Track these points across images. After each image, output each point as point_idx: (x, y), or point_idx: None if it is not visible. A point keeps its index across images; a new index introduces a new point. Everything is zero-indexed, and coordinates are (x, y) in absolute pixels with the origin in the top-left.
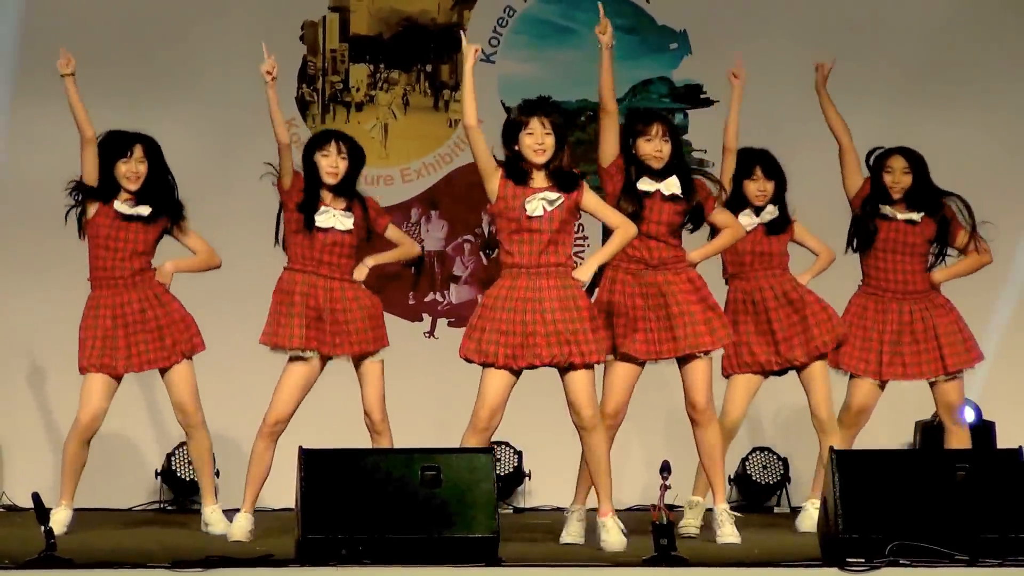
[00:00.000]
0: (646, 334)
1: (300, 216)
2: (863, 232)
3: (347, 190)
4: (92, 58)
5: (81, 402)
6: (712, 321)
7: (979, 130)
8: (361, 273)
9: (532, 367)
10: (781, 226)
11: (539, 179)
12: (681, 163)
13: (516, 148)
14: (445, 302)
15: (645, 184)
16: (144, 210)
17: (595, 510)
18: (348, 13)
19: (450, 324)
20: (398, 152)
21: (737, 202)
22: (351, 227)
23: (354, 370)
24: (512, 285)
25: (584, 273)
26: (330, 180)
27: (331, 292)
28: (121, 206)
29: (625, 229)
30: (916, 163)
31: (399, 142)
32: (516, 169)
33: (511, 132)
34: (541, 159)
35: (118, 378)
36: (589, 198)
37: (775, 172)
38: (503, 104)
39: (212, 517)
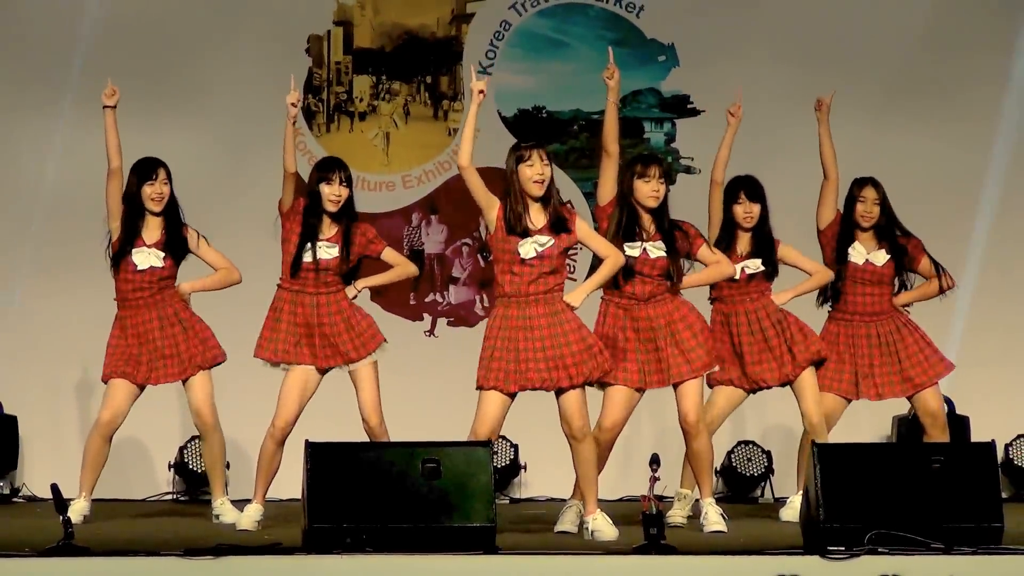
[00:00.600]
0: (637, 364)
1: (295, 241)
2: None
3: (344, 216)
4: (106, 71)
5: (105, 402)
6: (695, 350)
7: (952, 141)
8: (351, 292)
9: (523, 390)
10: (767, 276)
11: (535, 213)
12: (667, 213)
13: (515, 180)
14: (444, 302)
15: (630, 250)
16: (157, 261)
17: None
18: (352, 27)
19: (449, 323)
20: (399, 159)
21: (727, 226)
22: (335, 255)
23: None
24: (505, 314)
25: (576, 299)
26: (331, 208)
27: (317, 308)
28: (137, 257)
29: (614, 259)
30: (884, 195)
31: (400, 150)
32: (514, 210)
33: (512, 164)
34: (540, 191)
35: (140, 387)
36: (581, 230)
37: (759, 195)
38: (499, 114)
39: (222, 508)
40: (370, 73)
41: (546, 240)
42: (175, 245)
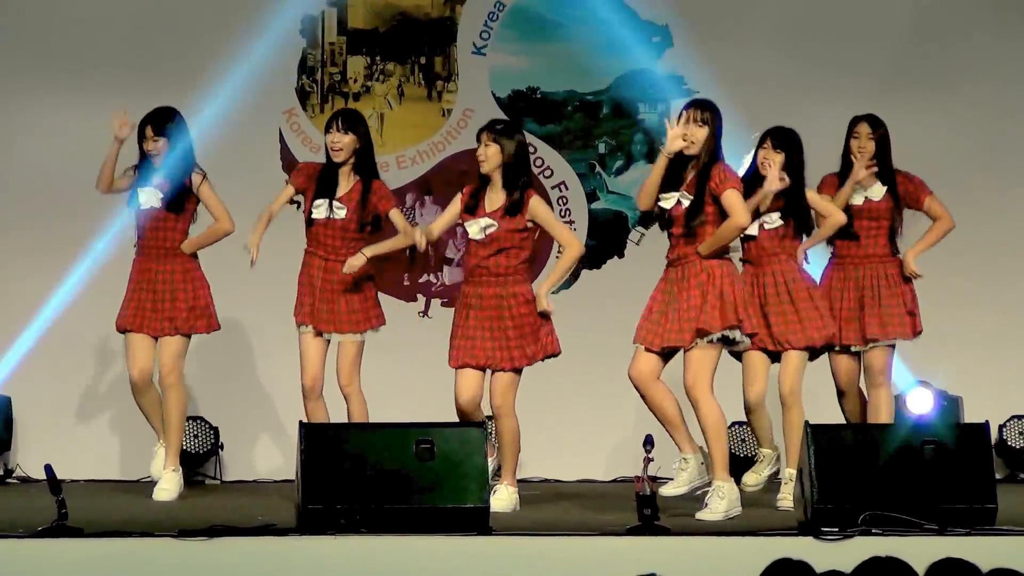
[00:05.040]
0: (655, 325)
1: (310, 198)
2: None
3: (360, 166)
4: (95, 52)
5: (127, 362)
6: (708, 311)
7: (949, 128)
8: (357, 261)
9: (468, 367)
10: (795, 232)
11: (493, 195)
12: (713, 152)
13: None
14: (439, 283)
15: (664, 201)
16: (152, 200)
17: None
18: (346, 8)
19: (443, 304)
20: (393, 140)
21: (752, 175)
22: (343, 216)
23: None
24: (463, 291)
25: (542, 304)
26: (334, 157)
27: (323, 272)
28: (143, 195)
29: (573, 249)
30: (879, 131)
31: (394, 131)
32: (475, 188)
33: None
34: (482, 170)
35: (155, 337)
36: (535, 212)
37: (785, 145)
38: (493, 95)
39: (170, 479)
40: (364, 54)
41: (488, 223)
42: (173, 192)
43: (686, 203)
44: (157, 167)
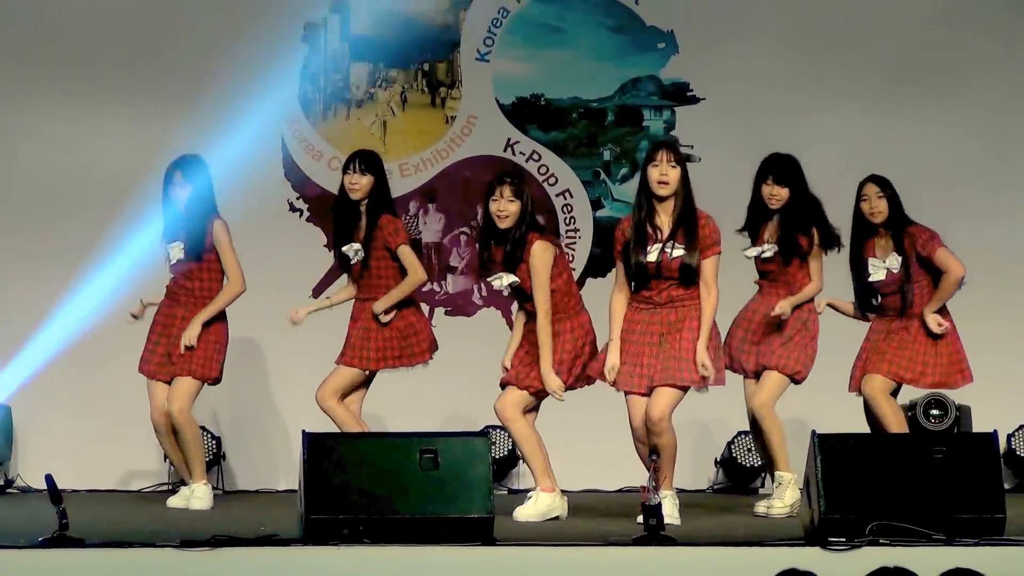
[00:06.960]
0: (631, 368)
1: None
2: (866, 300)
3: (376, 204)
4: (100, 59)
5: (149, 403)
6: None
7: (957, 130)
8: (381, 318)
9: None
10: (785, 255)
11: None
12: (688, 196)
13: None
14: (442, 292)
15: (651, 255)
16: (178, 253)
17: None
18: (349, 14)
19: (447, 313)
20: (396, 147)
21: (755, 208)
22: (360, 256)
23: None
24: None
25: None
26: (350, 195)
27: (357, 311)
28: (169, 249)
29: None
30: (885, 186)
31: (397, 138)
32: (484, 239)
33: (485, 196)
34: (503, 224)
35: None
36: (533, 264)
37: (787, 179)
38: (497, 102)
39: (201, 490)
40: (367, 60)
41: (511, 279)
42: (193, 240)
43: (678, 253)
44: (182, 213)
